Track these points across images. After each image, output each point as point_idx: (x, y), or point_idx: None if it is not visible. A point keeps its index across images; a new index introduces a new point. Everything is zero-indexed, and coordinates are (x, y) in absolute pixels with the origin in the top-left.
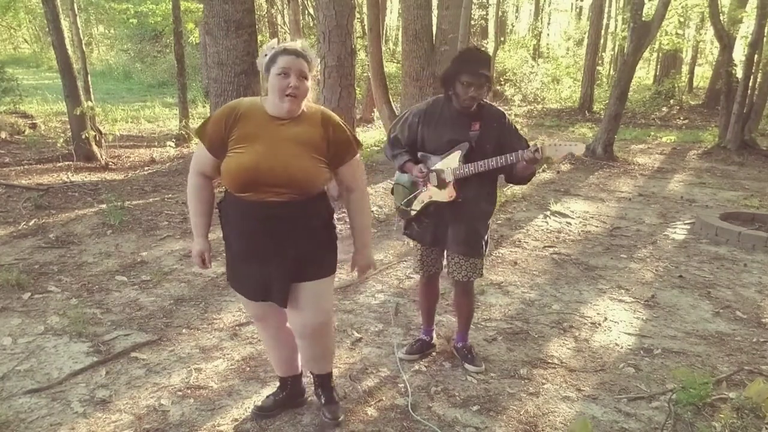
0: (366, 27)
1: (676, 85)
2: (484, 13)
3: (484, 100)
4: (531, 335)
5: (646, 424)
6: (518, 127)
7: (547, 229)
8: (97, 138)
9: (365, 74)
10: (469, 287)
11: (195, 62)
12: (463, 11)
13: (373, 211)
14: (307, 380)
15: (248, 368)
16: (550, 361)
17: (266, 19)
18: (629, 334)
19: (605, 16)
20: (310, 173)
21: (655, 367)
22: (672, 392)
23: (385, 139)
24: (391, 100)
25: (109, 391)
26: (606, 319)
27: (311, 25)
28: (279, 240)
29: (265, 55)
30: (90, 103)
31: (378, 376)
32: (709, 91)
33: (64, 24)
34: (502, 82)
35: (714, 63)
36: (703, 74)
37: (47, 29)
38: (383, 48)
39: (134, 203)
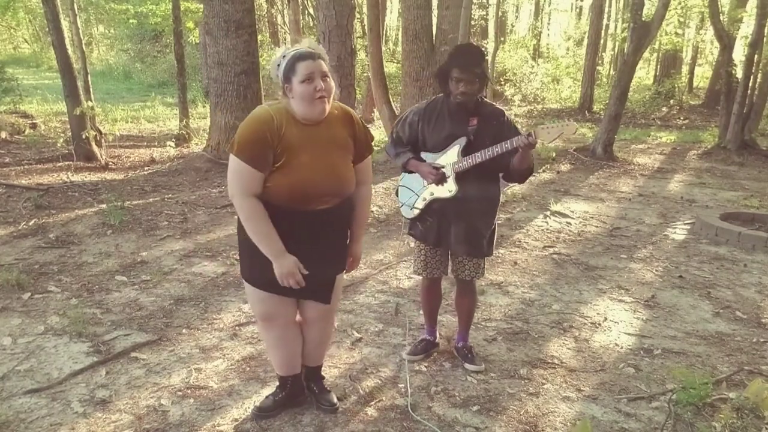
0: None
1: (676, 85)
2: (484, 13)
3: (482, 97)
4: (531, 335)
5: (646, 424)
6: (519, 127)
7: (547, 229)
8: (97, 138)
9: (365, 74)
10: (471, 287)
11: (195, 62)
12: (463, 11)
13: (372, 211)
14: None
15: (248, 368)
16: (550, 361)
17: (266, 19)
18: (629, 334)
19: (605, 16)
20: (350, 178)
21: (655, 368)
22: (672, 392)
23: (387, 139)
24: (391, 100)
25: (109, 391)
26: (606, 319)
27: (311, 25)
28: (321, 243)
29: (278, 65)
30: (90, 103)
31: (378, 376)
32: (709, 91)
33: (64, 24)
34: (502, 82)
35: (714, 63)
36: (703, 74)
37: (47, 29)
38: (383, 48)
39: (134, 203)
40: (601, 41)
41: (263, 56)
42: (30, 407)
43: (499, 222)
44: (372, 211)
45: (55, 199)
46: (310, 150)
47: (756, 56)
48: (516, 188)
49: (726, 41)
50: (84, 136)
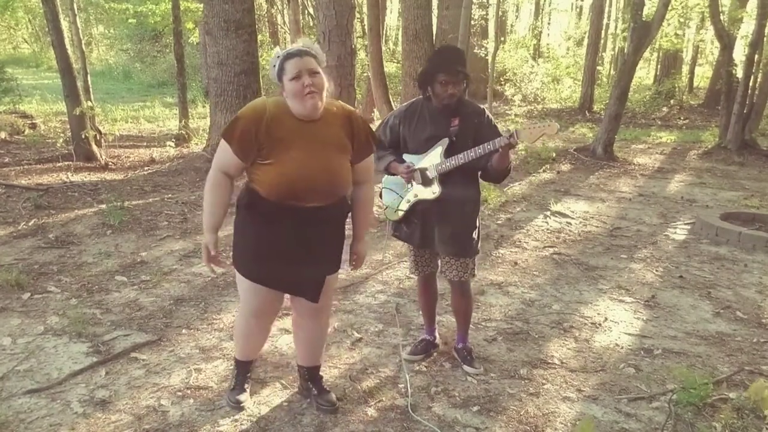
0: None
1: (676, 85)
2: (484, 13)
3: (463, 96)
4: (531, 335)
5: (646, 424)
6: (519, 127)
7: (548, 229)
8: (97, 138)
9: (365, 74)
10: (465, 288)
11: (195, 62)
12: (463, 11)
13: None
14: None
15: None
16: (550, 361)
17: (266, 19)
18: (629, 334)
19: (605, 16)
20: (344, 178)
21: (655, 368)
22: (672, 392)
23: None
24: (391, 100)
25: (109, 391)
26: (606, 319)
27: (311, 25)
28: (312, 241)
29: (274, 66)
30: (90, 103)
31: (378, 376)
32: (709, 91)
33: (64, 24)
34: (502, 82)
35: (714, 63)
36: (704, 74)
37: (47, 29)
38: (383, 48)
39: (134, 203)
40: (602, 41)
41: (263, 56)
42: (30, 407)
43: (499, 222)
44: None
45: (55, 199)
46: (302, 146)
47: (756, 56)
48: (516, 188)
49: (726, 41)
50: (84, 136)
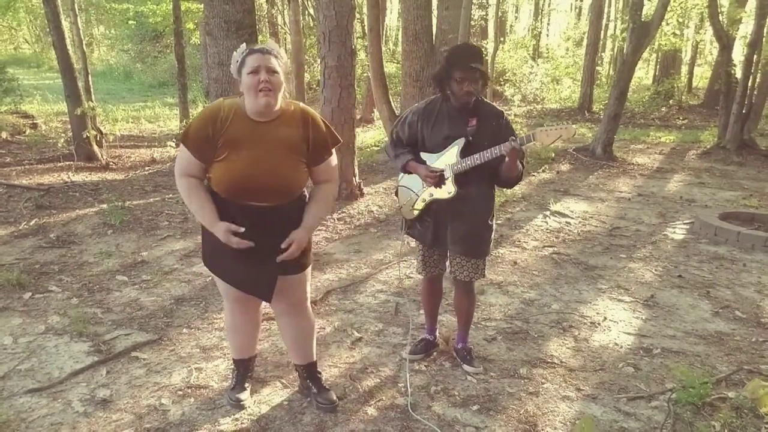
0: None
1: (675, 85)
2: (484, 13)
3: (481, 96)
4: (531, 335)
5: (645, 423)
6: (519, 127)
7: (547, 229)
8: (98, 138)
9: (365, 74)
10: (470, 288)
11: (195, 62)
12: (463, 11)
13: (372, 211)
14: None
15: None
16: (549, 360)
17: (266, 20)
18: (629, 333)
19: (605, 16)
20: (295, 180)
21: (654, 367)
22: (671, 392)
23: (386, 139)
24: (391, 100)
25: (110, 390)
26: (605, 318)
27: (311, 25)
28: (263, 240)
29: (237, 61)
30: (91, 103)
31: (378, 376)
32: (708, 91)
33: (65, 24)
34: (502, 82)
35: (713, 63)
36: (703, 74)
37: (48, 29)
38: (383, 48)
39: (135, 203)
40: (601, 41)
41: None
42: (31, 407)
43: (499, 222)
44: (372, 211)
45: (56, 199)
46: (253, 146)
47: (755, 56)
48: (515, 188)
49: (725, 41)
50: (85, 136)
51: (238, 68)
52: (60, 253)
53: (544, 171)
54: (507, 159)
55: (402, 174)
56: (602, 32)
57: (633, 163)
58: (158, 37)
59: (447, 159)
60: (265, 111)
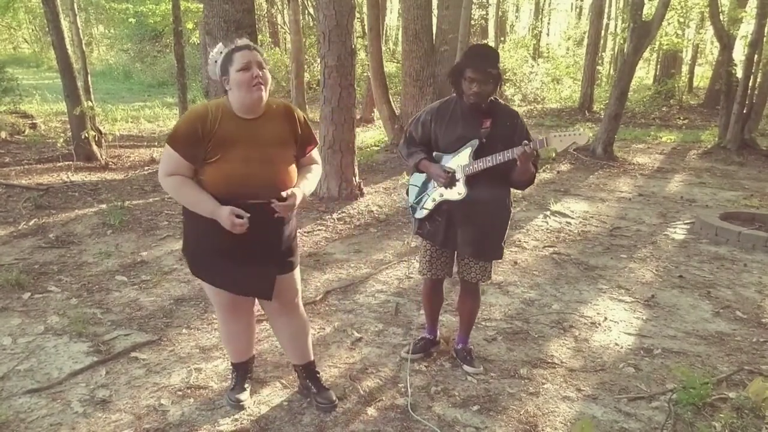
0: (366, 27)
1: (676, 85)
2: (484, 13)
3: (496, 98)
4: (531, 335)
5: (646, 423)
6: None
7: (547, 229)
8: (97, 138)
9: (365, 74)
10: (474, 289)
11: (195, 62)
12: (463, 11)
13: (372, 211)
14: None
15: None
16: (550, 360)
17: (266, 19)
18: (629, 333)
19: (605, 16)
20: (288, 175)
21: (655, 367)
22: (672, 392)
23: (386, 138)
24: (391, 100)
25: (109, 390)
26: (606, 318)
27: (311, 25)
28: (259, 238)
29: (215, 61)
30: (90, 103)
31: (378, 376)
32: (708, 91)
33: (64, 24)
34: (502, 82)
35: (714, 63)
36: (703, 74)
37: (47, 29)
38: (383, 48)
39: (134, 203)
40: (601, 41)
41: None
42: (30, 407)
43: None
44: (372, 211)
45: (55, 199)
46: (245, 144)
47: (756, 56)
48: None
49: (726, 41)
50: (84, 136)
51: (224, 67)
52: (59, 254)
53: (544, 171)
54: (518, 162)
55: (413, 173)
56: (603, 32)
57: (633, 163)
58: (158, 36)
59: (460, 160)
60: (258, 105)
